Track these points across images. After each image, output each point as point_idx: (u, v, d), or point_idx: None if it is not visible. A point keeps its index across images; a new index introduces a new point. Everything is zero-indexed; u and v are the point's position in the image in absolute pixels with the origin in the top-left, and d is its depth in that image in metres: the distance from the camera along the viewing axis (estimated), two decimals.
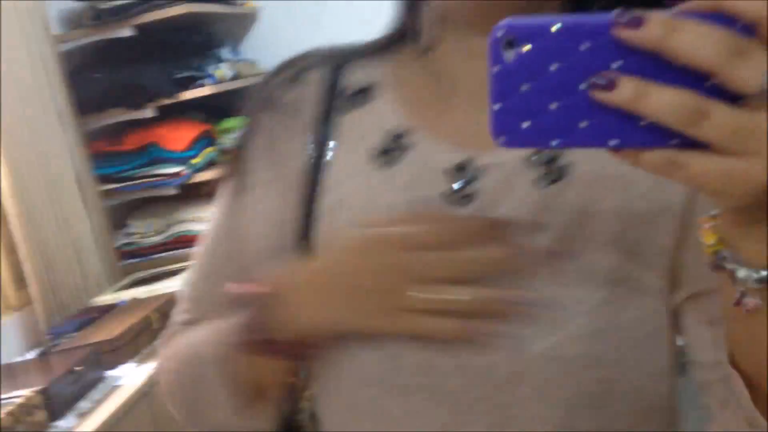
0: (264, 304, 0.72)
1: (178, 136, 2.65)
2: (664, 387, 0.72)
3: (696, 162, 0.43)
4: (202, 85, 2.74)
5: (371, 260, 0.68)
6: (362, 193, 0.75)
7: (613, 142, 0.44)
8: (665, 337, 0.70)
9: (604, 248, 0.68)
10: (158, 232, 2.69)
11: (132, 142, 2.64)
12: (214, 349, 0.78)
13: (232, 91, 2.82)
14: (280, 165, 0.79)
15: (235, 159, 0.83)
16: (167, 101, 2.67)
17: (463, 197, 0.71)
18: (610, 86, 0.43)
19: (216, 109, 2.85)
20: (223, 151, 2.76)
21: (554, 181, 0.69)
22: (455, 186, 0.71)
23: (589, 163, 0.69)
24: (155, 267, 2.61)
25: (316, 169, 0.78)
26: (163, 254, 2.67)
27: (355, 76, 0.81)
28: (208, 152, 2.73)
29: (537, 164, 0.70)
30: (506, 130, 0.46)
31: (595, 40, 0.43)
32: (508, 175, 0.70)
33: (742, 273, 0.51)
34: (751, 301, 0.52)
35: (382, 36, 0.83)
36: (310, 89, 0.81)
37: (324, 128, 0.79)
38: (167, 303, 2.20)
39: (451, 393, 0.69)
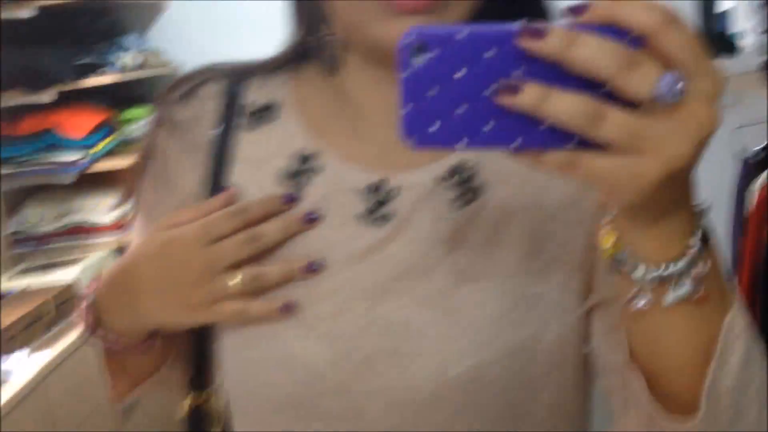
0: (88, 304, 0.79)
1: (78, 123, 2.58)
2: (579, 397, 0.75)
3: (592, 161, 0.47)
4: (104, 73, 2.68)
5: (172, 258, 0.71)
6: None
7: (515, 144, 0.48)
8: (579, 351, 0.73)
9: (518, 267, 0.70)
10: (53, 221, 2.61)
11: (29, 126, 2.56)
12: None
13: (137, 80, 2.77)
14: (171, 186, 0.78)
15: (134, 179, 0.82)
16: (68, 87, 2.59)
17: (379, 218, 0.72)
18: (514, 91, 0.46)
19: (119, 97, 2.79)
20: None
21: (469, 202, 0.71)
22: (369, 206, 0.72)
23: (503, 183, 0.71)
24: (49, 256, 2.54)
25: (213, 189, 0.76)
26: (58, 243, 2.60)
27: (256, 93, 0.80)
28: (109, 141, 2.66)
29: (452, 185, 0.72)
30: (415, 132, 0.48)
31: (499, 48, 0.47)
32: (422, 195, 0.71)
33: (638, 272, 0.55)
34: (642, 300, 0.56)
35: (282, 52, 0.81)
36: (207, 105, 0.79)
37: (222, 146, 0.77)
38: (63, 293, 2.14)
39: (372, 418, 0.70)
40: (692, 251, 0.54)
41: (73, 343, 2.01)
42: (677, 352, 0.59)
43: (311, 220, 0.73)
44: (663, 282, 0.54)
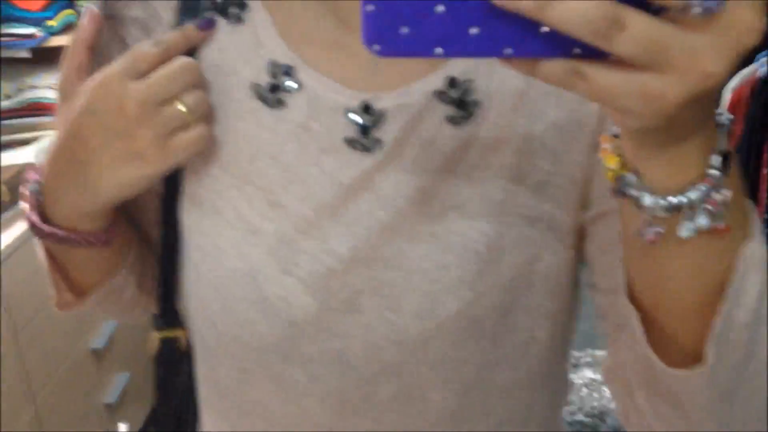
0: (32, 193, 0.70)
1: None
2: (573, 323, 0.71)
3: (603, 75, 0.40)
4: None
5: (104, 105, 0.64)
6: (252, 135, 0.67)
7: (507, 51, 0.39)
8: (575, 275, 0.68)
9: (508, 190, 0.64)
10: (8, 97, 2.50)
11: None
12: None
13: None
14: None
15: (68, 78, 0.71)
16: None
17: (368, 143, 0.65)
18: None
19: None
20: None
21: (463, 120, 0.64)
22: (358, 130, 0.65)
23: (497, 100, 0.64)
24: (4, 134, 2.44)
25: None
26: (14, 121, 2.49)
27: None
28: (66, 15, 2.53)
29: (445, 102, 0.64)
30: (382, 37, 0.39)
31: None
32: (415, 115, 0.64)
33: (647, 200, 0.47)
34: (652, 231, 0.49)
35: None
36: (162, 2, 0.70)
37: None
38: (18, 175, 2.07)
39: (357, 359, 0.65)
40: (712, 175, 0.46)
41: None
42: (687, 288, 0.52)
43: (207, 25, 0.68)
44: (677, 211, 0.47)
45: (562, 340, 0.70)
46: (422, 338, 0.63)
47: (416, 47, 0.39)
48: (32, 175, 0.70)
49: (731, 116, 0.48)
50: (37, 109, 2.51)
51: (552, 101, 0.64)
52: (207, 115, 0.66)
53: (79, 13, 2.58)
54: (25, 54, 2.44)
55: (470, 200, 0.64)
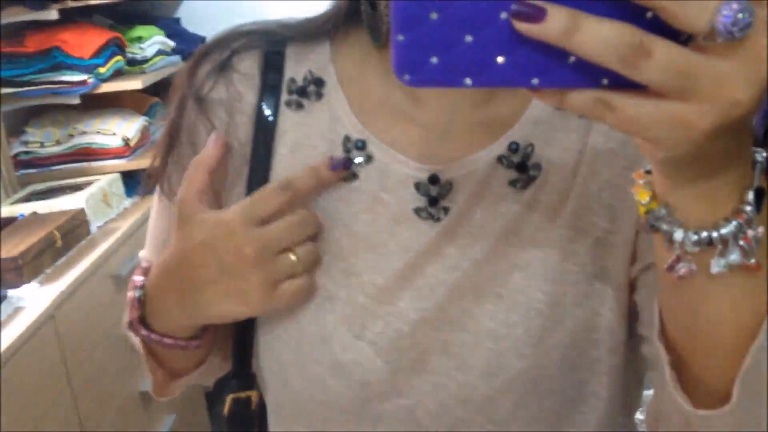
0: (136, 299, 0.72)
1: (84, 42, 2.49)
2: (635, 380, 0.71)
3: (631, 104, 0.40)
4: None
5: (222, 245, 0.65)
6: (327, 207, 0.70)
7: (534, 81, 0.40)
8: (630, 333, 0.68)
9: (570, 248, 0.66)
10: (58, 142, 2.55)
11: (34, 44, 2.46)
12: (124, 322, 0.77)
13: None
14: None
15: (159, 162, 0.75)
16: (72, 3, 2.49)
17: (435, 212, 0.67)
18: (538, 18, 0.38)
19: (125, 15, 2.70)
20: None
21: (528, 183, 0.66)
22: (426, 200, 0.68)
23: (558, 159, 0.66)
24: (54, 179, 2.48)
25: (258, 174, 0.71)
26: (63, 166, 2.54)
27: (296, 66, 0.73)
28: (116, 61, 2.58)
29: (508, 167, 0.67)
30: (412, 67, 0.40)
31: None
32: (479, 183, 0.67)
33: (678, 235, 0.47)
34: (684, 267, 0.49)
35: (323, 14, 0.73)
36: (245, 82, 0.72)
37: (267, 128, 0.71)
38: (70, 221, 2.10)
39: (426, 417, 0.66)
40: (748, 210, 0.46)
41: (83, 273, 1.98)
42: (718, 327, 0.52)
43: (341, 165, 0.69)
44: (709, 246, 0.47)
45: (623, 398, 0.70)
46: (489, 396, 0.64)
47: (446, 77, 0.40)
48: (138, 277, 0.73)
49: (766, 154, 0.48)
50: (85, 153, 2.55)
51: (605, 160, 0.66)
52: (315, 266, 0.68)
53: (127, 59, 2.63)
54: (75, 100, 2.48)
55: (533, 260, 0.65)
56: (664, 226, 0.47)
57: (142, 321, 0.73)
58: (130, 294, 0.73)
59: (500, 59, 0.39)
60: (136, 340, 0.77)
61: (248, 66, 0.73)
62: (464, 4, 0.38)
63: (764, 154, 0.47)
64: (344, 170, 0.69)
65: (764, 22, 0.39)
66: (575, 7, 0.38)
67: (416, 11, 0.39)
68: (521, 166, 0.66)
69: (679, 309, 0.54)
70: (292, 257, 0.66)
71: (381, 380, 0.66)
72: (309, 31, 0.74)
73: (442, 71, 0.39)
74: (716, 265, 0.47)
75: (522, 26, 0.38)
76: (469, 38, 0.39)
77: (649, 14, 0.38)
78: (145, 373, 0.80)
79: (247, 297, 0.66)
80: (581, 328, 0.65)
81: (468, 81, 0.40)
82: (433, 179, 0.68)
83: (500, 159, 0.67)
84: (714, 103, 0.39)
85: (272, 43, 0.74)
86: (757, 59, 0.39)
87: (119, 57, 2.59)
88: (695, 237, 0.47)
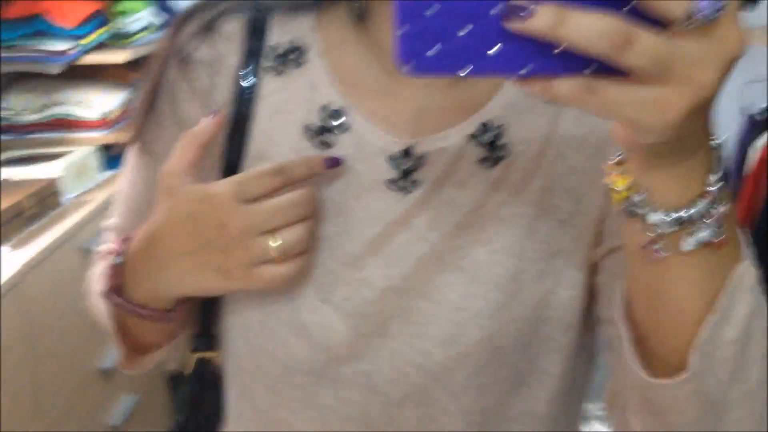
0: (115, 266, 0.72)
1: (69, 11, 2.46)
2: (588, 359, 0.74)
3: (613, 90, 0.43)
4: None
5: (206, 218, 0.65)
6: None
7: (523, 71, 0.43)
8: (588, 310, 0.71)
9: (533, 226, 0.68)
10: (36, 111, 2.52)
11: (17, 10, 2.44)
12: (95, 293, 0.77)
13: None
14: (182, 128, 0.72)
15: (137, 118, 0.75)
16: None
17: (407, 185, 0.69)
18: (526, 15, 0.41)
19: None
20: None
21: (496, 162, 0.69)
22: (399, 172, 0.69)
23: (528, 142, 0.69)
24: (32, 147, 2.46)
25: (236, 137, 0.72)
26: (41, 134, 2.51)
27: (280, 33, 0.74)
28: (100, 33, 2.55)
29: (481, 143, 0.69)
30: (412, 58, 0.44)
31: None
32: (451, 159, 0.69)
33: (654, 217, 0.51)
34: (658, 247, 0.52)
35: None
36: (228, 44, 0.73)
37: (247, 92, 0.72)
38: (43, 189, 2.08)
39: (383, 383, 0.68)
40: (713, 190, 0.50)
41: (53, 242, 1.96)
42: (684, 304, 0.55)
43: (335, 163, 0.69)
44: (682, 226, 0.51)
45: (573, 381, 0.72)
46: (445, 365, 0.67)
47: (443, 67, 0.44)
48: (119, 245, 0.73)
49: (719, 140, 0.52)
50: (64, 124, 2.52)
51: (573, 145, 0.68)
52: (302, 252, 0.68)
53: (113, 32, 2.61)
54: (56, 69, 2.45)
55: (496, 237, 0.68)
56: (641, 210, 0.51)
57: (117, 289, 0.73)
58: (106, 262, 0.72)
59: (491, 51, 0.43)
60: (104, 312, 0.77)
61: (233, 29, 0.74)
62: (458, 3, 0.43)
63: (718, 141, 0.51)
64: (335, 167, 0.70)
65: (734, 5, 0.42)
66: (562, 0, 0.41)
67: (416, 8, 0.43)
68: (491, 146, 0.69)
69: (648, 288, 0.57)
70: (272, 243, 0.65)
71: (342, 344, 0.68)
72: (294, 1, 0.75)
73: (440, 62, 0.43)
74: (687, 244, 0.51)
75: (511, 23, 0.42)
76: (462, 32, 0.43)
77: (627, 6, 0.42)
78: (113, 346, 0.80)
79: (226, 272, 0.66)
80: (537, 305, 0.68)
81: (463, 71, 0.43)
82: (406, 152, 0.69)
83: (471, 137, 0.69)
84: (687, 85, 0.42)
85: (258, 9, 0.75)
86: (722, 42, 0.42)
87: (104, 29, 2.57)
88: (670, 218, 0.50)
